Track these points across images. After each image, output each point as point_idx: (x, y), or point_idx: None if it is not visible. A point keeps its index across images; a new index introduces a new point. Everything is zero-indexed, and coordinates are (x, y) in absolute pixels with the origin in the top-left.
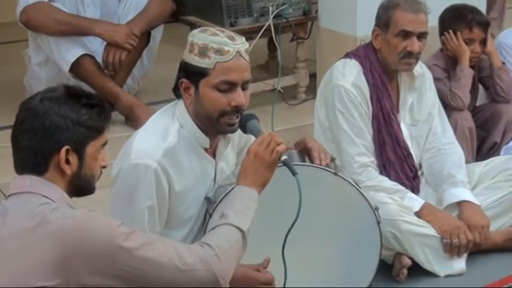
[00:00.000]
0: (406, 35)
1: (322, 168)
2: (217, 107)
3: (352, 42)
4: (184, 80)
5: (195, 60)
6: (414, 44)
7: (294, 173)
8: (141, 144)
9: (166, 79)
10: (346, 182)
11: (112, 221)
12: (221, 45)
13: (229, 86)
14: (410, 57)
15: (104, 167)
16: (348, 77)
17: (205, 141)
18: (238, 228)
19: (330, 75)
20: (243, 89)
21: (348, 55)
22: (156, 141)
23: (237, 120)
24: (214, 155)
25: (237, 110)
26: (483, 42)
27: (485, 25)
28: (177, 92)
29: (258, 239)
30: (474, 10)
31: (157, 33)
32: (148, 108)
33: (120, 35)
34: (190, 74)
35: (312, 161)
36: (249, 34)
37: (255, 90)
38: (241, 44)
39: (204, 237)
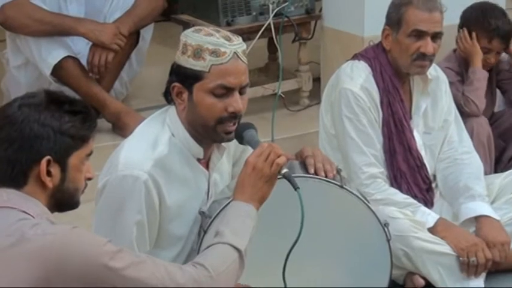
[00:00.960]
0: (419, 35)
1: (326, 181)
2: (214, 114)
3: (359, 43)
4: (176, 84)
5: (189, 63)
6: (428, 45)
7: (295, 188)
8: (129, 154)
9: (157, 83)
10: (353, 195)
11: (97, 238)
12: (217, 46)
13: (226, 91)
14: (424, 59)
15: (89, 179)
16: (356, 80)
17: (199, 151)
18: (235, 247)
19: (336, 79)
20: (241, 93)
21: (356, 56)
22: (146, 151)
23: (234, 127)
24: (207, 166)
25: (235, 116)
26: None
27: (507, 37)
28: (168, 97)
29: (257, 258)
30: (500, 17)
31: (147, 33)
32: (138, 115)
33: (106, 34)
34: (183, 78)
35: (315, 172)
36: (247, 34)
37: (253, 95)
38: (239, 44)
39: (198, 256)
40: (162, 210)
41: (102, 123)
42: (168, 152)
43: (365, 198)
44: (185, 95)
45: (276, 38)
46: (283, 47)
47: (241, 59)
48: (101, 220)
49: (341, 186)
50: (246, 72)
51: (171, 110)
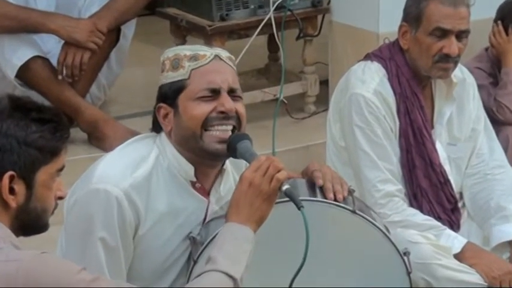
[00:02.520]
0: (442, 33)
1: (336, 205)
2: (199, 117)
3: (373, 41)
4: (161, 104)
5: (169, 77)
6: (452, 45)
7: (299, 206)
8: (107, 168)
9: (140, 86)
10: (367, 222)
11: (70, 265)
12: (195, 51)
13: (212, 93)
14: (447, 61)
15: (60, 198)
16: (368, 84)
17: (189, 170)
18: (229, 275)
19: (345, 82)
20: (234, 100)
21: (368, 56)
22: (125, 168)
23: (226, 134)
24: (208, 194)
25: (225, 117)
26: None
27: None
28: (157, 128)
29: None
30: None
31: (128, 30)
32: (118, 123)
33: (81, 31)
34: (167, 96)
35: (324, 193)
36: (244, 30)
37: (251, 101)
38: (222, 51)
39: (187, 285)
40: (137, 238)
41: (76, 133)
42: (153, 172)
43: (382, 225)
44: (171, 115)
45: (277, 35)
46: (285, 45)
47: (225, 61)
48: (70, 243)
49: (353, 211)
50: (233, 75)
51: (162, 134)
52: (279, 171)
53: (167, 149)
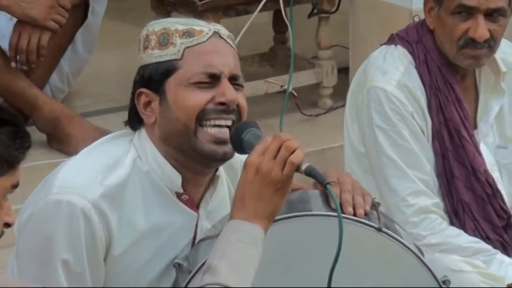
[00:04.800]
0: (466, 12)
1: (357, 221)
2: (194, 108)
3: (405, 18)
4: (142, 90)
5: (154, 55)
6: (479, 27)
7: (323, 183)
8: (71, 175)
9: (113, 75)
10: (396, 242)
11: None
12: (190, 26)
13: (210, 79)
14: (475, 46)
15: (7, 226)
16: (391, 75)
17: (175, 178)
18: None
19: (363, 73)
20: (235, 89)
21: (392, 40)
22: (95, 175)
23: (225, 133)
24: (197, 207)
25: (224, 110)
26: None
27: None
28: (133, 120)
29: None
30: None
31: (99, 5)
32: (85, 121)
33: (38, 7)
34: (150, 79)
35: (342, 207)
36: (244, 6)
37: (253, 93)
38: (222, 28)
39: None
40: (109, 259)
41: (32, 133)
42: (129, 179)
43: (417, 249)
44: (156, 103)
45: (285, 11)
46: (295, 24)
47: (226, 40)
48: (23, 268)
49: (379, 229)
50: (235, 58)
51: (142, 132)
52: (292, 152)
53: (148, 151)
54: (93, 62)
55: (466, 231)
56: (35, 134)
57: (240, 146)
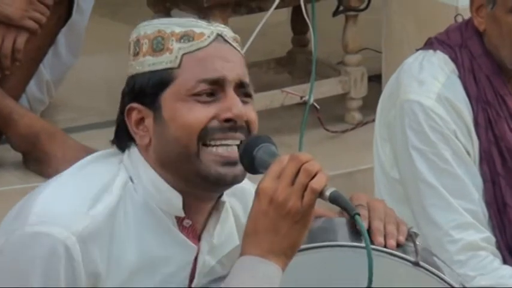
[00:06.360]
0: None
1: (390, 253)
2: (194, 125)
3: (449, 17)
4: (133, 105)
5: (146, 63)
6: None
7: (351, 213)
8: (52, 202)
9: (101, 84)
10: (438, 279)
11: None
12: (189, 28)
13: (212, 88)
14: None
15: None
16: (429, 86)
17: (175, 200)
18: None
19: (396, 83)
20: (243, 102)
21: (430, 44)
22: (81, 202)
23: (233, 153)
24: (198, 238)
25: (234, 127)
26: None
27: None
28: (120, 139)
29: None
30: None
31: (85, 1)
32: (68, 138)
33: (13, 3)
34: (142, 92)
35: (371, 237)
36: (257, 2)
37: (268, 105)
38: (225, 29)
39: None
40: None
41: (5, 152)
42: (117, 208)
43: (460, 285)
44: (149, 120)
45: (305, 7)
46: (318, 23)
47: (231, 44)
48: None
49: (415, 264)
50: (242, 63)
51: (133, 150)
52: (313, 176)
53: (141, 172)
54: (79, 68)
55: None
56: (9, 153)
57: (252, 164)
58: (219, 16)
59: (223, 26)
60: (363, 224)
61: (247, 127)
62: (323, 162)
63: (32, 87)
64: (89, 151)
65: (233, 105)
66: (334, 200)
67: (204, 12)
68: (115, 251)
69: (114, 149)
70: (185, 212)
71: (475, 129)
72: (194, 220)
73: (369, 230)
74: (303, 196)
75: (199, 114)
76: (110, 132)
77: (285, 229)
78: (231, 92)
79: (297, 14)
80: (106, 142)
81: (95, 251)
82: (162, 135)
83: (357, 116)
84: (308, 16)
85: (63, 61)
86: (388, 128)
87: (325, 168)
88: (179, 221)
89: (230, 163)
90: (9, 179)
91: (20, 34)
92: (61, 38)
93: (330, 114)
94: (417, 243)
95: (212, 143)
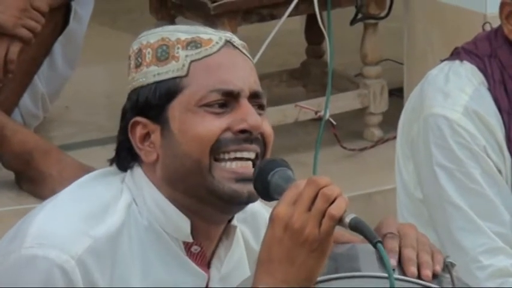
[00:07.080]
0: None
1: (423, 285)
2: (206, 137)
3: (476, 26)
4: (138, 119)
5: (151, 74)
6: None
7: (374, 242)
8: (50, 224)
9: (100, 97)
10: None
11: None
12: (195, 34)
13: (226, 99)
14: None
15: None
16: (456, 99)
17: (183, 224)
18: None
19: (419, 96)
20: (258, 111)
21: (456, 54)
22: (81, 223)
23: (247, 168)
24: (208, 265)
25: (249, 139)
26: None
27: None
28: (122, 161)
29: None
30: None
31: (83, 8)
32: (65, 156)
33: (7, 10)
34: (147, 104)
35: (403, 266)
36: (269, 9)
37: (280, 121)
38: (233, 37)
39: None
40: None
41: None
42: (121, 230)
43: None
44: (155, 135)
45: (321, 15)
46: (334, 32)
47: (240, 50)
48: None
49: None
50: (254, 71)
51: (136, 170)
52: (332, 201)
53: (146, 193)
54: (76, 80)
55: None
56: (1, 171)
57: (266, 190)
58: (228, 24)
59: (230, 33)
60: (385, 254)
61: (262, 140)
62: (340, 183)
63: (25, 100)
64: (86, 169)
65: (248, 115)
66: (354, 227)
67: (211, 20)
68: (118, 277)
69: (114, 168)
70: (193, 238)
71: (507, 145)
72: (203, 246)
73: (400, 259)
74: (320, 223)
75: (212, 125)
76: (110, 149)
77: (301, 258)
78: (245, 102)
79: (311, 22)
80: (105, 160)
81: (96, 275)
82: (170, 150)
83: (377, 133)
84: (324, 24)
85: (60, 73)
86: (411, 144)
87: (341, 190)
88: (187, 246)
89: (245, 179)
90: (0, 200)
91: (13, 43)
92: (57, 47)
93: (347, 131)
94: (453, 274)
95: (226, 156)
